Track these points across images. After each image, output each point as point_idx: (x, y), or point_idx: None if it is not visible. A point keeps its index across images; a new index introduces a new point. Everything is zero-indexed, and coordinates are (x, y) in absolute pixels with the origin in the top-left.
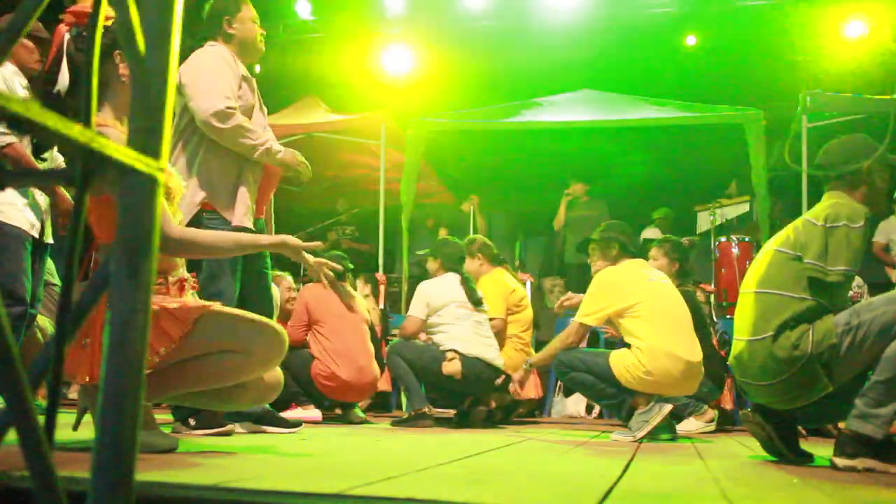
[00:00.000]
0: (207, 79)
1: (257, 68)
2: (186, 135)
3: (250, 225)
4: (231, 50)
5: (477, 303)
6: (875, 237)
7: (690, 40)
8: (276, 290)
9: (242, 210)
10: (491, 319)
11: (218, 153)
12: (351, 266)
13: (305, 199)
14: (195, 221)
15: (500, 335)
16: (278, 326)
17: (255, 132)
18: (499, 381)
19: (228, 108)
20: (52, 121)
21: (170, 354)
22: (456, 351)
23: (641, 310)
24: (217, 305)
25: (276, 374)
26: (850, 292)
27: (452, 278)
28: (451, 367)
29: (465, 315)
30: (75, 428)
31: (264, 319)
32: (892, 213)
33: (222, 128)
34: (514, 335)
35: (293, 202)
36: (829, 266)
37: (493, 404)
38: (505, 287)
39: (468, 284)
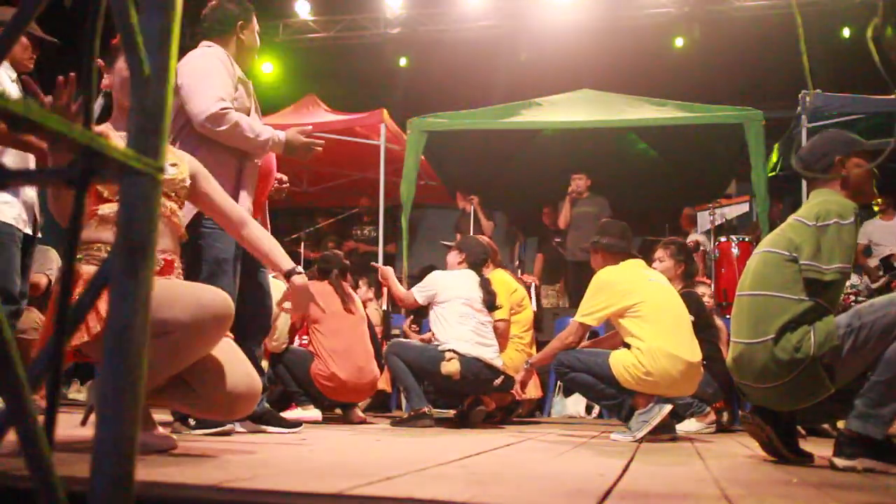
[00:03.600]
0: (202, 81)
1: (267, 67)
2: (183, 136)
3: None
4: (229, 52)
5: (491, 306)
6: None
7: (689, 41)
8: (279, 287)
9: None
10: (497, 321)
11: (216, 156)
12: (347, 262)
13: (306, 198)
14: (194, 224)
15: (506, 336)
16: (217, 293)
17: (252, 128)
18: (497, 381)
19: (222, 109)
20: (53, 121)
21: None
22: (454, 351)
23: (642, 310)
24: (157, 280)
25: (248, 384)
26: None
27: (469, 275)
28: (450, 367)
29: (470, 314)
30: (83, 423)
31: (200, 288)
32: (876, 215)
33: (219, 130)
34: (515, 335)
35: (294, 202)
36: (823, 265)
37: (494, 405)
38: (507, 287)
39: (487, 287)
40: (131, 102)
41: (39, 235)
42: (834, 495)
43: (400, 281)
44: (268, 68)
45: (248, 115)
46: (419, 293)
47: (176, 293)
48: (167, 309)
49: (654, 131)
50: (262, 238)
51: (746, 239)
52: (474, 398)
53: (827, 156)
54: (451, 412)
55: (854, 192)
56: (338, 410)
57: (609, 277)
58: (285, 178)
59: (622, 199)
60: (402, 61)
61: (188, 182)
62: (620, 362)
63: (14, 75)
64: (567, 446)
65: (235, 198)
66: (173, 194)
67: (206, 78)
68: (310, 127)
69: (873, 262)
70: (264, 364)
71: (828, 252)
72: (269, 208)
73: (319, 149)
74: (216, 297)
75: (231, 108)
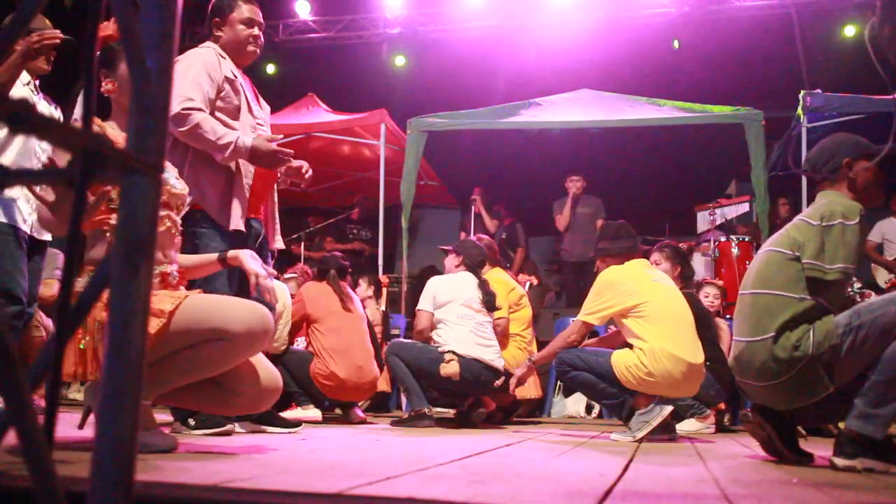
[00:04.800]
0: (175, 83)
1: (267, 67)
2: (173, 138)
3: (242, 227)
4: (222, 50)
5: (490, 307)
6: (869, 236)
7: (689, 41)
8: (283, 289)
9: (238, 214)
10: (497, 319)
11: (208, 158)
12: (347, 264)
13: (307, 198)
14: (187, 222)
15: (506, 333)
16: (261, 307)
17: (216, 130)
18: (498, 382)
19: (184, 109)
20: (53, 121)
21: (151, 350)
22: (454, 352)
23: (645, 310)
24: (194, 294)
25: (273, 378)
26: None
27: (467, 277)
28: (450, 368)
29: (469, 315)
30: (81, 426)
31: (245, 301)
32: (892, 214)
33: (180, 130)
34: (515, 333)
35: (294, 202)
36: (826, 265)
37: (494, 405)
38: (505, 286)
39: (485, 287)
40: (130, 101)
41: (49, 238)
42: (834, 495)
43: (399, 282)
44: (268, 68)
45: (239, 113)
46: (424, 305)
47: (228, 305)
48: (227, 319)
49: (655, 131)
50: (185, 260)
51: (746, 239)
52: (474, 399)
53: (835, 158)
54: (451, 412)
55: (861, 195)
56: (338, 410)
57: (613, 277)
58: (306, 164)
59: (621, 199)
60: (402, 61)
61: (188, 198)
62: (622, 362)
63: (27, 78)
64: (567, 446)
65: (227, 205)
66: (176, 208)
67: (178, 79)
68: (280, 136)
69: (890, 256)
70: None
71: (831, 252)
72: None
73: (290, 161)
74: (265, 313)
75: (196, 108)
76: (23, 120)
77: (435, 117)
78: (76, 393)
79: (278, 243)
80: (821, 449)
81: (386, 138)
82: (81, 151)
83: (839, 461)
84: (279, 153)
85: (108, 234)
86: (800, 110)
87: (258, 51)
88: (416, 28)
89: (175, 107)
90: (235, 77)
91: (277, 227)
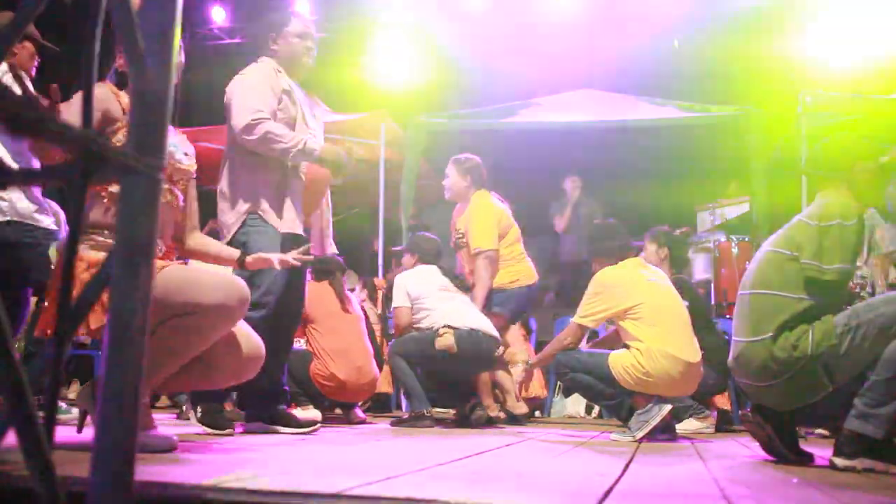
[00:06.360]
0: (240, 96)
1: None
2: (234, 150)
3: (300, 231)
4: (277, 63)
5: (463, 287)
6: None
7: (690, 40)
8: None
9: (291, 216)
10: (484, 251)
11: (260, 167)
12: (345, 268)
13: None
14: (242, 226)
15: (495, 265)
16: (236, 279)
17: (285, 135)
18: (500, 351)
19: (254, 119)
20: (52, 121)
21: None
22: (450, 326)
23: (641, 311)
24: (173, 264)
25: (255, 346)
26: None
27: (430, 269)
28: (444, 341)
29: (450, 296)
30: (79, 430)
31: (221, 273)
32: None
33: (251, 139)
34: (517, 254)
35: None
36: (824, 265)
37: (496, 409)
38: (489, 213)
39: (451, 274)
40: (131, 99)
41: None
42: (834, 495)
43: None
44: None
45: (295, 124)
46: (400, 301)
47: (202, 278)
48: (196, 292)
49: (655, 131)
50: (208, 244)
51: (746, 239)
52: (476, 401)
53: (835, 158)
54: (452, 412)
55: (861, 195)
56: (338, 410)
57: (607, 279)
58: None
59: (621, 199)
60: (401, 61)
61: (194, 174)
62: (619, 363)
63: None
64: (567, 446)
65: (279, 203)
66: (181, 182)
67: (244, 93)
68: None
69: None
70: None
71: (829, 252)
72: None
73: (343, 173)
74: (237, 282)
75: (264, 118)
76: (22, 120)
77: (435, 117)
78: (76, 393)
79: (331, 248)
80: (821, 449)
81: (386, 138)
82: (81, 151)
83: (839, 461)
84: (343, 160)
85: (104, 198)
86: (799, 110)
87: (312, 63)
88: (416, 27)
89: (245, 118)
90: (292, 89)
91: (330, 231)
